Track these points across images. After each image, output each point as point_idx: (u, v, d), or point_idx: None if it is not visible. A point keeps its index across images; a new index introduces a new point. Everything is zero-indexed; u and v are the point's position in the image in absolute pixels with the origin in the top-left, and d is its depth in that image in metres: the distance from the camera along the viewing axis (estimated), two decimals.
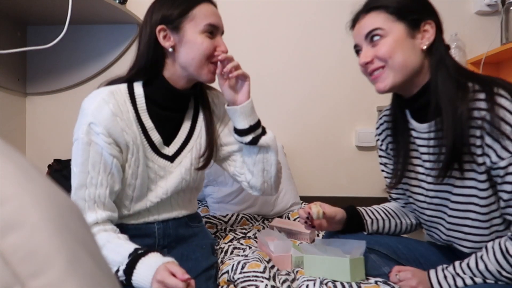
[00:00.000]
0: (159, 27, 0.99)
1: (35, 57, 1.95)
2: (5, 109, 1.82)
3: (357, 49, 1.03)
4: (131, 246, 0.91)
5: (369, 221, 1.15)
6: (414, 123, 1.03)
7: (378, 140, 1.20)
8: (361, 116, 1.99)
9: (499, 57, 1.79)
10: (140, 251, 0.88)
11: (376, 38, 0.96)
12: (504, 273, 0.88)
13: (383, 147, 1.18)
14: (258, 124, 1.10)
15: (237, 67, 1.07)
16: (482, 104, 0.88)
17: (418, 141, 1.03)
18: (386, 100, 1.93)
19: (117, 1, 1.77)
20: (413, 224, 1.19)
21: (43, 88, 1.96)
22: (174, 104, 1.08)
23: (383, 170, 1.21)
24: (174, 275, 0.82)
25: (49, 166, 1.67)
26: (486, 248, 0.92)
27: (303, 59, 1.99)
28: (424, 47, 0.95)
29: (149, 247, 0.94)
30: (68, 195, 0.30)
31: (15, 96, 1.91)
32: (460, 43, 1.87)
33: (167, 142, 1.08)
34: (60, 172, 1.62)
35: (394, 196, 1.22)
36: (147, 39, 1.01)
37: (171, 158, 1.08)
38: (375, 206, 1.20)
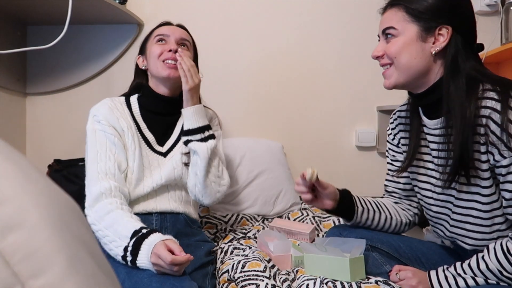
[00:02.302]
0: (137, 57, 1.32)
1: (35, 57, 1.94)
2: (5, 109, 1.82)
3: (379, 39, 1.05)
4: (138, 224, 1.01)
5: (360, 208, 1.13)
6: (425, 119, 1.04)
7: (390, 134, 1.20)
8: (361, 116, 1.99)
9: (499, 57, 1.79)
10: (144, 231, 0.98)
11: (389, 36, 0.99)
12: (505, 273, 0.88)
13: (395, 142, 1.19)
14: (198, 130, 1.20)
15: (189, 67, 1.16)
16: (491, 103, 0.88)
17: (429, 137, 1.04)
18: (386, 100, 1.95)
19: (117, 1, 1.77)
20: (403, 223, 1.18)
21: (43, 88, 1.96)
22: (162, 109, 1.27)
23: (389, 163, 1.21)
24: (172, 251, 0.92)
25: (49, 166, 1.66)
26: (487, 248, 0.92)
27: (303, 59, 1.99)
28: (433, 52, 0.95)
29: None
30: (68, 195, 0.30)
31: (15, 96, 1.91)
32: None
33: (161, 141, 1.26)
34: (60, 172, 1.62)
35: (389, 189, 1.21)
36: (135, 68, 1.34)
37: (164, 154, 1.25)
38: (369, 198, 1.20)
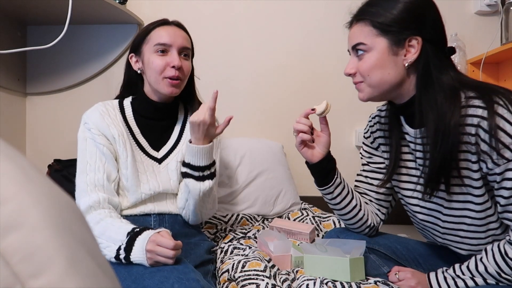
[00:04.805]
0: (130, 55, 1.24)
1: (35, 57, 1.95)
2: (5, 109, 1.82)
3: (350, 54, 1.04)
4: (130, 227, 1.01)
5: (338, 180, 1.09)
6: (407, 128, 1.03)
7: (369, 137, 1.18)
8: (361, 116, 1.98)
9: (499, 57, 1.79)
10: (136, 230, 0.99)
11: (360, 52, 0.98)
12: (503, 275, 0.88)
13: (374, 145, 1.17)
14: (200, 168, 1.14)
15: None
16: (478, 111, 0.86)
17: (412, 145, 1.03)
18: None
19: (117, 1, 1.77)
20: (368, 222, 1.13)
21: (43, 88, 1.96)
22: (156, 114, 1.24)
23: (364, 164, 1.18)
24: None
25: (49, 166, 1.66)
26: (485, 250, 0.92)
27: (303, 59, 1.99)
28: (406, 64, 0.93)
29: None
30: (68, 195, 0.30)
31: (15, 96, 1.91)
32: (460, 43, 1.87)
33: (156, 146, 1.23)
34: (60, 172, 1.62)
35: (361, 190, 1.18)
36: (125, 65, 1.28)
37: (159, 160, 1.22)
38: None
